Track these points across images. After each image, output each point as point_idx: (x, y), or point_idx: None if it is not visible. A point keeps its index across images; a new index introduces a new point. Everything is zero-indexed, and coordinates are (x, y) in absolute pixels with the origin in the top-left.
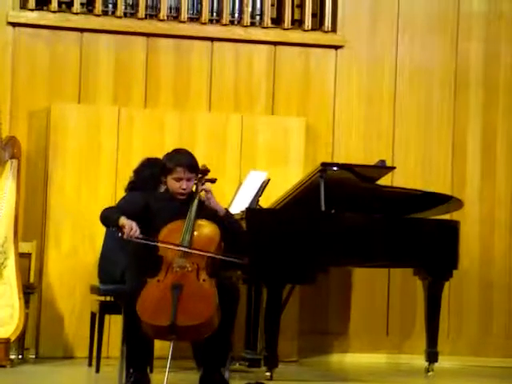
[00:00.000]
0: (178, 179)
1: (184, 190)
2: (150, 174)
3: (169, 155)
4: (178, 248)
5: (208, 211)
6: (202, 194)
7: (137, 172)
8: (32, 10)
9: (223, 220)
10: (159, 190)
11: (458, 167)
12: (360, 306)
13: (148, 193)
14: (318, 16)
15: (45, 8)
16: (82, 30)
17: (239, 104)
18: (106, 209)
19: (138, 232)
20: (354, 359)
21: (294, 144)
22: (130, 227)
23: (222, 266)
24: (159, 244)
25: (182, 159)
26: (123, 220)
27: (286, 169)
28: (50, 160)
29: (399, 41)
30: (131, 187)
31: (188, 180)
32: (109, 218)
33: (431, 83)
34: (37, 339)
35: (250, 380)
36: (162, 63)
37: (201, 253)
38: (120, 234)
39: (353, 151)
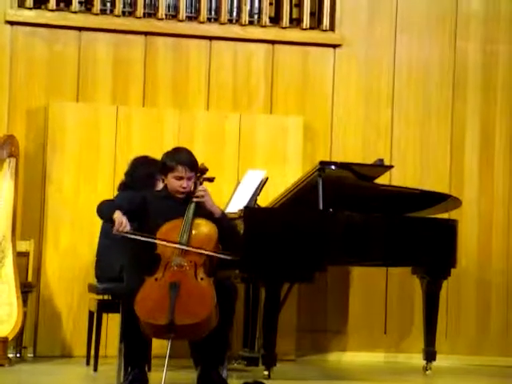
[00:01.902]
0: (179, 178)
1: (184, 188)
2: (146, 173)
3: (169, 154)
4: (170, 244)
5: (204, 211)
6: (199, 194)
7: (130, 174)
8: (30, 8)
9: (218, 222)
10: (156, 189)
11: (456, 166)
12: (358, 305)
13: (145, 191)
14: (316, 15)
15: (43, 6)
16: (80, 29)
17: (237, 103)
18: (103, 202)
19: (128, 227)
20: (351, 358)
21: (292, 143)
22: (119, 222)
23: (220, 265)
24: (149, 240)
25: (184, 158)
26: (115, 214)
27: (284, 167)
28: (48, 158)
29: (397, 39)
30: (124, 188)
31: (188, 179)
32: (104, 211)
33: (429, 82)
34: (35, 338)
35: (247, 379)
36: (160, 62)
37: (193, 249)
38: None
39: (351, 150)
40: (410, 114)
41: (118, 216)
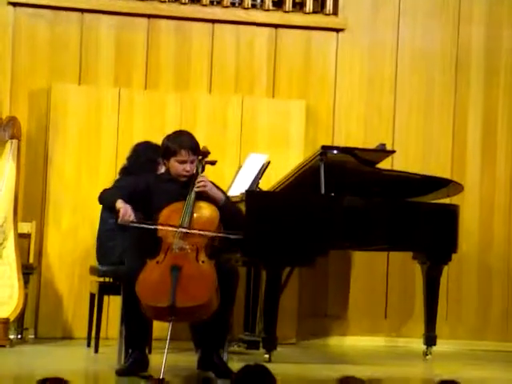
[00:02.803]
0: (182, 161)
1: (188, 172)
2: (147, 158)
3: (171, 137)
4: (173, 229)
5: (207, 198)
6: (200, 185)
7: (132, 159)
8: None
9: (223, 209)
10: (158, 172)
11: (458, 151)
12: (359, 290)
13: (148, 175)
14: None
15: None
16: (82, 11)
17: (240, 86)
18: (105, 190)
19: (133, 216)
20: (352, 342)
21: (294, 127)
22: (124, 212)
23: (221, 248)
24: (154, 227)
25: (186, 141)
26: (119, 203)
27: (286, 151)
28: (50, 141)
29: (400, 24)
30: (125, 173)
31: (191, 162)
32: (107, 199)
33: (432, 66)
34: (36, 319)
35: (248, 362)
36: (162, 45)
37: (196, 232)
38: (115, 218)
39: (353, 134)
40: (412, 99)
41: (123, 206)
